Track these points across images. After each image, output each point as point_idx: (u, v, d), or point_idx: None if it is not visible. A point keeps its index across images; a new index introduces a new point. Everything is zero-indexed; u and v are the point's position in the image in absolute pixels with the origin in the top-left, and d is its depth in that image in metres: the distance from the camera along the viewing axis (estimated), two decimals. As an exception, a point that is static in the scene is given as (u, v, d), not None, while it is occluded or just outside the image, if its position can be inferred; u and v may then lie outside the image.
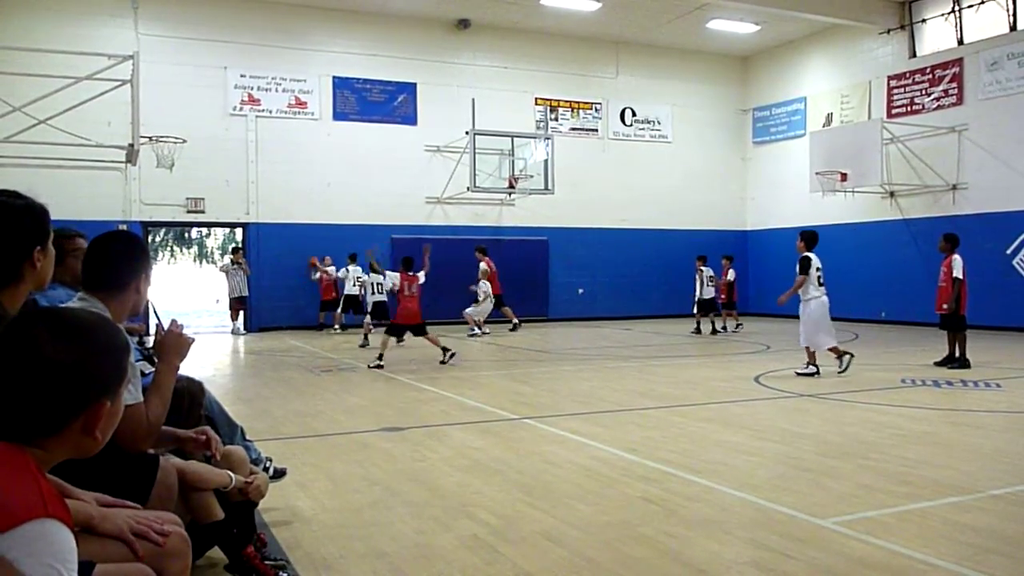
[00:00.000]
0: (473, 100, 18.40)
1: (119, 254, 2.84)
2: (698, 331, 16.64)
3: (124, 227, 15.34)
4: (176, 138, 15.68)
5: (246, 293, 17.68)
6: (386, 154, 18.88)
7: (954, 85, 17.31)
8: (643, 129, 21.78)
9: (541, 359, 12.55)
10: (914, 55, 18.38)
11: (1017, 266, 16.02)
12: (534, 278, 20.25)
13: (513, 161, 18.86)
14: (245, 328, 17.85)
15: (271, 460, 4.73)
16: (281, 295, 18.03)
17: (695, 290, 17.02)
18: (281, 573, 3.38)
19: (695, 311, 16.99)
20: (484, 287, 16.83)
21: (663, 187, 21.61)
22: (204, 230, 37.39)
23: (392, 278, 11.67)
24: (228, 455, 3.24)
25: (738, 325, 17.38)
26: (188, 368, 3.17)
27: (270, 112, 18.11)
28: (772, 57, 22.01)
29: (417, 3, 18.45)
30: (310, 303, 18.00)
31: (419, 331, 11.33)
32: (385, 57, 19.04)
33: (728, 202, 22.73)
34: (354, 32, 18.82)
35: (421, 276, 11.72)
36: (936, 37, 17.94)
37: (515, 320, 17.44)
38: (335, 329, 17.20)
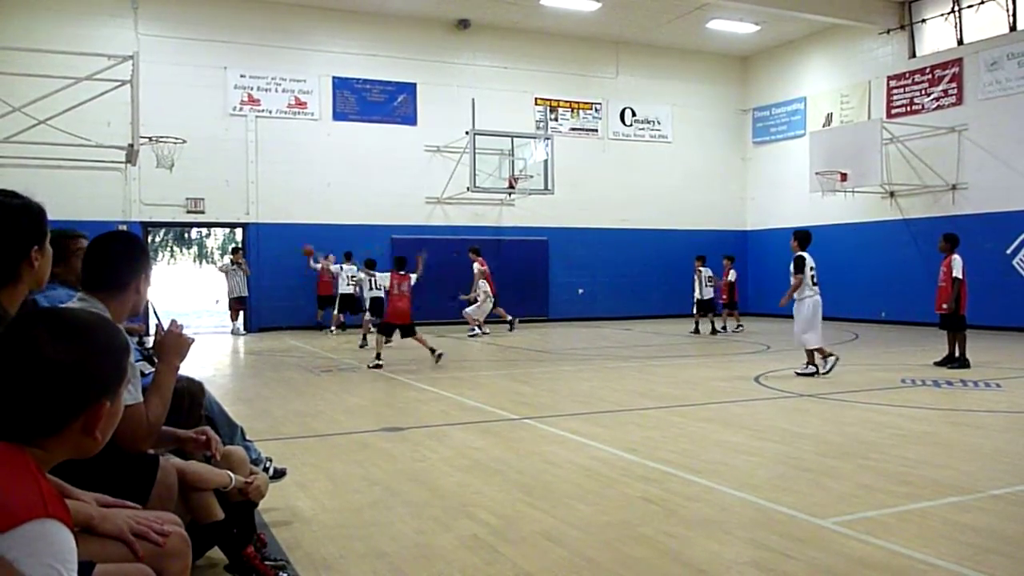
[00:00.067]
0: (473, 100, 18.40)
1: (119, 254, 2.84)
2: (697, 331, 16.64)
3: (124, 227, 15.35)
4: (176, 138, 15.68)
5: (246, 293, 17.68)
6: (386, 154, 18.89)
7: (954, 85, 17.31)
8: (643, 129, 21.79)
9: (541, 359, 12.55)
10: (914, 55, 18.38)
11: (1017, 266, 16.02)
12: (534, 278, 20.26)
13: (513, 161, 18.86)
14: (245, 328, 17.84)
15: (271, 460, 4.73)
16: (281, 295, 18.03)
17: (694, 290, 17.02)
18: (281, 573, 3.38)
19: (694, 311, 17.00)
20: (484, 287, 16.83)
21: (663, 187, 21.61)
22: (204, 230, 37.38)
23: (382, 279, 11.71)
24: (228, 455, 3.24)
25: (738, 326, 17.37)
26: (188, 368, 3.17)
27: (270, 112, 18.11)
28: (772, 57, 22.01)
29: (417, 3, 18.45)
30: (310, 303, 18.01)
31: (407, 332, 11.31)
32: (385, 57, 19.04)
33: (728, 202, 22.73)
34: (354, 32, 18.82)
35: (412, 277, 11.70)
36: (936, 37, 17.95)
37: (509, 318, 17.46)
38: (333, 330, 17.19)
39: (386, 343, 11.49)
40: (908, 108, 18.31)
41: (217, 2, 17.81)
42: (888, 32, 18.67)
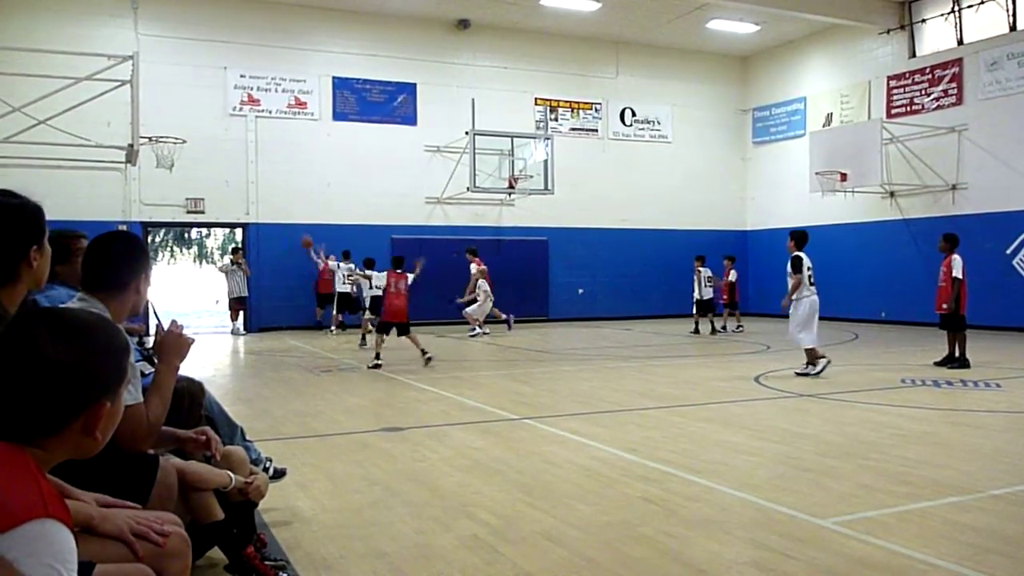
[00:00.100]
0: (473, 100, 18.40)
1: (119, 254, 2.84)
2: (697, 331, 16.64)
3: (124, 227, 15.35)
4: (176, 138, 15.68)
5: (245, 293, 17.68)
6: (386, 154, 18.89)
7: (954, 85, 17.31)
8: (643, 129, 21.79)
9: (541, 359, 12.55)
10: (914, 55, 18.38)
11: (1017, 266, 16.02)
12: (534, 278, 20.26)
13: (513, 161, 18.87)
14: (245, 328, 17.84)
15: (271, 460, 4.73)
16: (281, 295, 18.03)
17: (694, 290, 17.03)
18: (281, 573, 3.38)
19: (694, 311, 17.00)
20: (484, 286, 16.83)
21: (663, 187, 21.61)
22: (204, 230, 37.38)
23: (379, 278, 11.72)
24: (228, 455, 3.24)
25: (739, 326, 17.38)
26: (188, 368, 3.17)
27: (270, 112, 18.11)
28: (772, 57, 22.01)
29: (417, 3, 18.45)
30: (310, 303, 18.01)
31: (403, 330, 11.30)
32: (385, 57, 19.04)
33: (728, 202, 22.73)
34: (354, 32, 18.82)
35: (410, 277, 11.70)
36: (936, 37, 17.95)
37: (503, 317, 17.47)
38: (333, 330, 17.19)
39: (382, 343, 11.50)
40: (908, 108, 18.31)
41: (217, 2, 17.81)
42: (888, 32, 18.67)
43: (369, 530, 4.06)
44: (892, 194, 18.51)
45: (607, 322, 20.04)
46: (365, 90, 18.92)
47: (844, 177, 17.86)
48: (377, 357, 11.06)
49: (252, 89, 17.96)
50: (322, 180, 18.34)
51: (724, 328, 17.16)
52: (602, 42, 21.09)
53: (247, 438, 4.52)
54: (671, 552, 3.69)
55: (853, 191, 18.20)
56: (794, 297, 9.83)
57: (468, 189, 18.22)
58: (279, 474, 4.74)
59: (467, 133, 18.18)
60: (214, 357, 13.09)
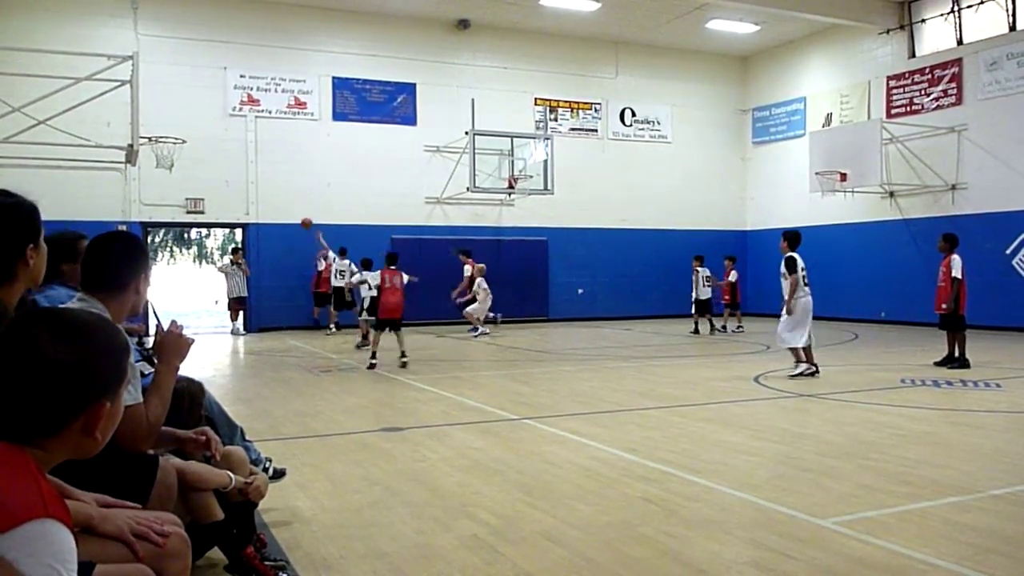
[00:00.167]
0: (473, 100, 18.40)
1: (118, 254, 2.84)
2: (697, 331, 16.64)
3: (124, 227, 15.34)
4: (175, 138, 15.67)
5: (245, 293, 17.67)
6: (386, 154, 18.89)
7: (953, 85, 17.31)
8: (643, 129, 21.79)
9: (541, 359, 12.55)
10: (913, 55, 18.38)
11: (1017, 266, 16.02)
12: (534, 278, 20.26)
13: (513, 161, 18.87)
14: (245, 328, 17.84)
15: (271, 460, 4.73)
16: (281, 295, 18.03)
17: (692, 290, 17.03)
18: (281, 573, 3.38)
19: (693, 311, 17.01)
20: (483, 284, 16.79)
21: (663, 187, 21.61)
22: (204, 231, 37.37)
23: (374, 277, 11.72)
24: (228, 455, 3.24)
25: (739, 326, 17.39)
26: (188, 369, 3.17)
27: (270, 112, 18.11)
28: (772, 57, 22.02)
29: (417, 3, 18.45)
30: (310, 303, 18.01)
31: (395, 326, 11.29)
32: (385, 57, 19.04)
33: (728, 202, 22.73)
34: (353, 32, 18.82)
35: (405, 276, 11.68)
36: (935, 37, 17.95)
37: (489, 315, 17.51)
38: (332, 328, 17.19)
39: (378, 341, 11.47)
40: (908, 108, 18.31)
41: (217, 2, 17.81)
42: (888, 32, 18.67)
43: (369, 530, 4.06)
44: (892, 194, 18.52)
45: (607, 322, 20.04)
46: (365, 90, 18.92)
47: (844, 177, 17.86)
48: (373, 356, 11.05)
49: (252, 89, 17.96)
50: (322, 180, 18.33)
51: (724, 328, 17.16)
52: (602, 42, 21.09)
53: (247, 438, 4.52)
54: (671, 552, 3.69)
55: (853, 191, 18.20)
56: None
57: (468, 189, 18.22)
58: (279, 474, 4.74)
59: (467, 133, 18.18)
60: (214, 357, 13.09)
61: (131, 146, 13.75)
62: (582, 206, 20.61)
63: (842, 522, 4.06)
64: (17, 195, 2.35)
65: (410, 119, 19.28)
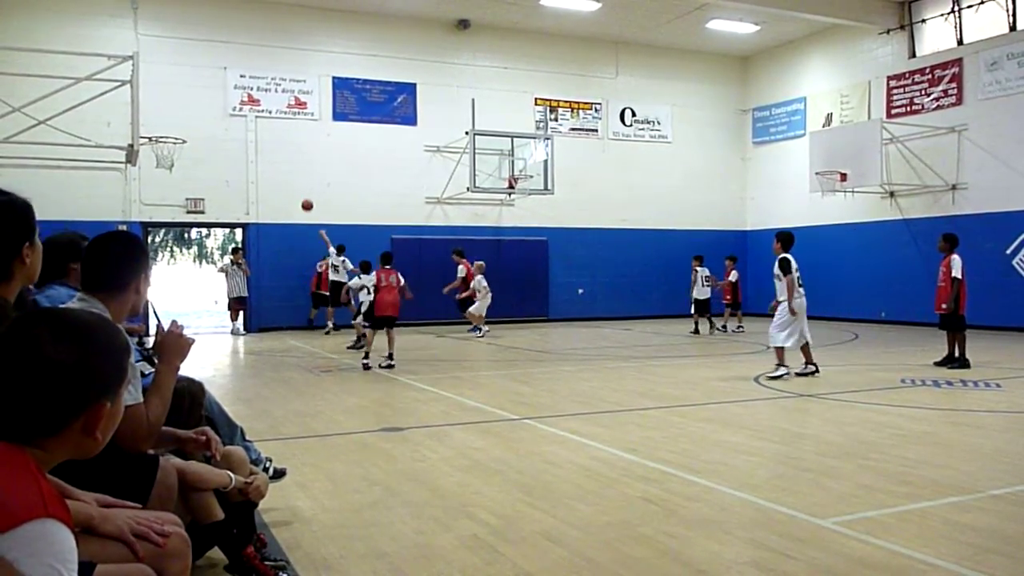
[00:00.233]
0: (473, 100, 18.40)
1: (119, 255, 2.84)
2: (697, 331, 16.65)
3: (124, 227, 15.34)
4: (176, 138, 15.68)
5: (246, 293, 17.67)
6: (386, 154, 18.88)
7: (954, 85, 17.31)
8: (643, 129, 21.79)
9: (541, 359, 12.55)
10: (914, 55, 18.38)
11: (1017, 266, 16.02)
12: (534, 278, 20.26)
13: (513, 161, 18.87)
14: (245, 328, 17.85)
15: (271, 460, 4.73)
16: (281, 295, 18.03)
17: (691, 290, 17.02)
18: (281, 573, 3.39)
19: (692, 311, 17.01)
20: (483, 282, 16.75)
21: (663, 187, 21.61)
22: (204, 230, 37.37)
23: (370, 279, 11.72)
24: (228, 455, 3.24)
25: (739, 326, 17.40)
26: (188, 368, 3.17)
27: (270, 112, 18.11)
28: (772, 57, 22.01)
29: (417, 3, 18.45)
30: (309, 303, 18.01)
31: (391, 324, 11.29)
32: (385, 57, 19.04)
33: (728, 202, 22.74)
34: (354, 32, 18.82)
35: (402, 278, 11.67)
36: (936, 37, 17.95)
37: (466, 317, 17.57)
38: (330, 326, 17.21)
39: (372, 341, 11.46)
40: (908, 108, 18.31)
41: (217, 2, 17.81)
42: (888, 32, 18.67)
43: (369, 530, 4.06)
44: (892, 194, 18.51)
45: (607, 322, 20.04)
46: (365, 90, 18.92)
47: (844, 177, 17.86)
48: (366, 356, 11.04)
49: (252, 89, 17.96)
50: (322, 180, 18.33)
51: (724, 328, 17.17)
52: (602, 42, 21.09)
53: (247, 438, 4.52)
54: (671, 552, 3.69)
55: (853, 191, 18.20)
56: (782, 299, 9.76)
57: (468, 189, 18.22)
58: (279, 474, 4.74)
59: (467, 133, 18.18)
60: (214, 357, 13.09)
61: (131, 146, 13.75)
62: (582, 206, 20.61)
63: (842, 522, 4.06)
64: (10, 193, 2.35)
65: (410, 119, 19.28)
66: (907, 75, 18.38)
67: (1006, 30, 16.43)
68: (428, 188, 19.17)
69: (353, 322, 15.08)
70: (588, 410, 7.69)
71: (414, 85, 19.28)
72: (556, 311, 20.56)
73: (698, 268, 17.07)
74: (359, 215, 18.50)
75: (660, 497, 4.59)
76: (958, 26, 17.37)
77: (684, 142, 22.11)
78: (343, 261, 16.75)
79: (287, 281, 18.00)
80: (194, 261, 45.47)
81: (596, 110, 21.26)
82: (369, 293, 14.70)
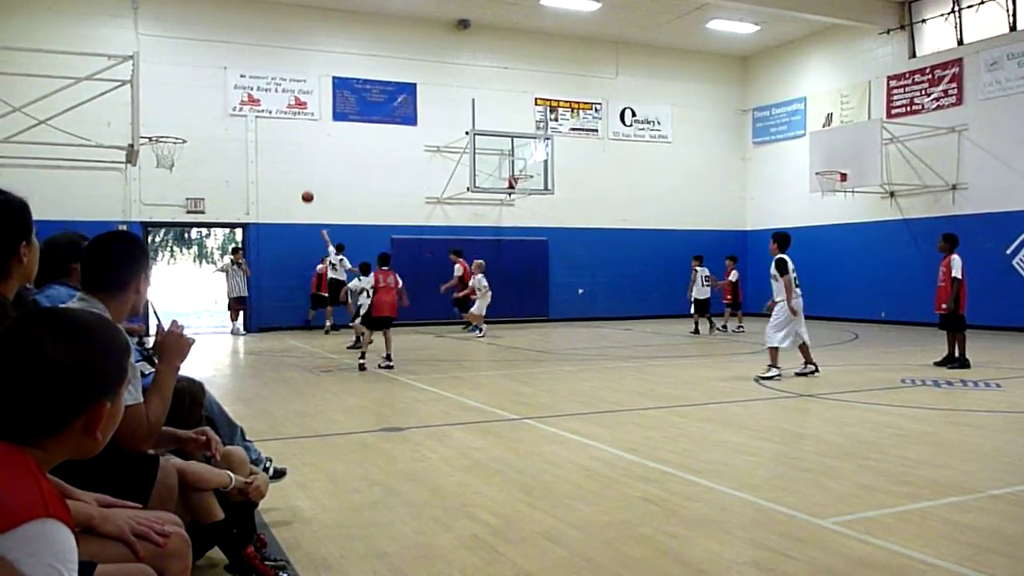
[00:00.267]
0: (473, 100, 18.40)
1: (119, 254, 2.84)
2: (697, 331, 16.65)
3: (124, 227, 15.33)
4: (176, 138, 15.68)
5: (246, 293, 17.67)
6: (386, 154, 18.88)
7: (954, 85, 17.31)
8: (643, 129, 21.79)
9: (541, 359, 12.55)
10: (914, 55, 18.38)
11: (1017, 266, 16.02)
12: (534, 278, 20.26)
13: (513, 161, 18.87)
14: (245, 328, 17.85)
15: (271, 460, 4.73)
16: (281, 295, 18.03)
17: (691, 290, 17.01)
18: (281, 573, 3.39)
19: (692, 311, 17.01)
20: (483, 281, 16.72)
21: (663, 187, 21.61)
22: (204, 230, 37.37)
23: (368, 282, 11.72)
24: (228, 455, 3.24)
25: (739, 326, 17.40)
26: (188, 368, 3.17)
27: (270, 112, 18.11)
28: (772, 57, 22.01)
29: (417, 3, 18.45)
30: (309, 304, 18.00)
31: (388, 325, 11.27)
32: (385, 57, 19.04)
33: (728, 202, 22.73)
34: (354, 32, 18.82)
35: (400, 280, 11.67)
36: (936, 37, 17.95)
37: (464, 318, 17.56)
38: (328, 324, 17.20)
39: (370, 341, 11.46)
40: (908, 108, 18.31)
41: (217, 2, 17.81)
42: (888, 32, 18.67)
43: (369, 530, 4.06)
44: (892, 194, 18.51)
45: (607, 322, 20.04)
46: (365, 90, 18.92)
47: (844, 177, 17.86)
48: (362, 357, 11.04)
49: (252, 89, 17.96)
50: (322, 180, 18.33)
51: (725, 327, 17.18)
52: (602, 42, 21.08)
53: (247, 438, 4.52)
54: (671, 552, 3.69)
55: (853, 191, 18.20)
56: (779, 299, 9.76)
57: (468, 189, 18.22)
58: (279, 474, 4.74)
59: (467, 133, 18.18)
60: (214, 357, 13.09)
61: (131, 146, 13.75)
62: (582, 206, 20.61)
63: (842, 522, 4.06)
64: (6, 192, 2.35)
65: (410, 119, 19.28)
66: (907, 75, 18.38)
67: (1006, 30, 16.42)
68: (428, 188, 19.17)
69: (351, 324, 15.07)
70: (588, 410, 7.69)
71: (414, 85, 19.28)
72: (556, 311, 20.56)
73: (698, 268, 17.07)
74: (359, 215, 18.50)
75: (660, 497, 4.59)
76: (958, 26, 17.37)
77: (684, 142, 22.11)
78: (341, 260, 16.78)
79: (287, 281, 18.00)
80: (194, 261, 45.47)
81: (596, 110, 21.26)
82: (368, 296, 14.67)
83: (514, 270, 19.51)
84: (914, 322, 16.96)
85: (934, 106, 17.69)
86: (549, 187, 18.67)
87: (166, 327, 2.91)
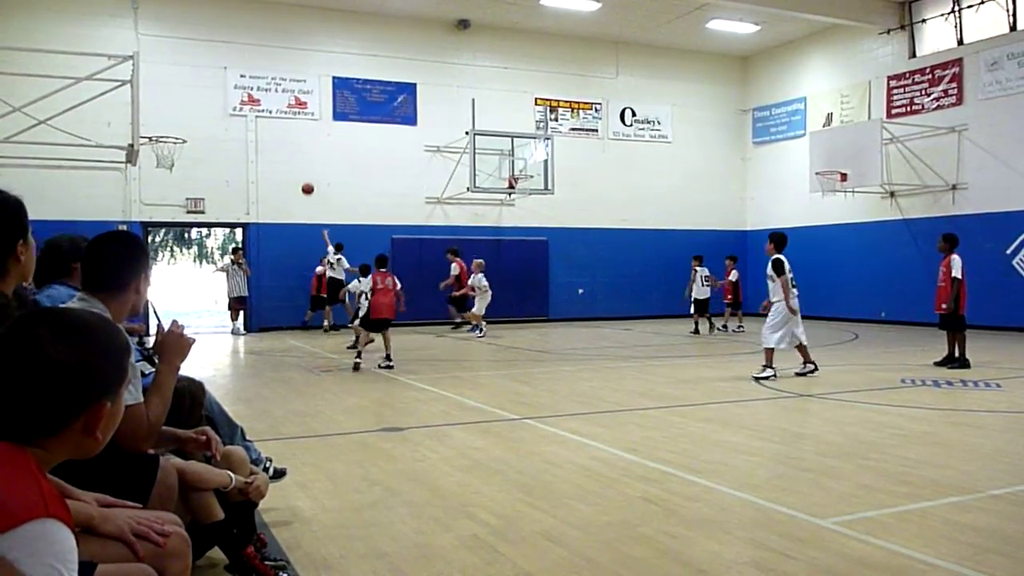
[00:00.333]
0: (473, 100, 18.40)
1: (119, 255, 2.84)
2: (697, 331, 16.64)
3: (124, 227, 15.33)
4: (176, 138, 15.68)
5: (246, 293, 17.67)
6: (386, 154, 18.88)
7: (954, 85, 17.31)
8: (643, 129, 21.79)
9: (541, 359, 12.55)
10: (914, 55, 18.38)
11: (1017, 266, 16.02)
12: (534, 278, 20.26)
13: (513, 161, 18.87)
14: (245, 328, 17.84)
15: (271, 460, 4.73)
16: (281, 295, 18.03)
17: (691, 290, 17.01)
18: (281, 573, 3.39)
19: (692, 311, 17.01)
20: (483, 281, 16.71)
21: (663, 187, 21.61)
22: (204, 230, 37.37)
23: (367, 283, 11.72)
24: (228, 455, 3.24)
25: (739, 326, 17.40)
26: (188, 368, 3.17)
27: (270, 112, 18.11)
28: (772, 57, 22.01)
29: (417, 3, 18.45)
30: (308, 304, 18.00)
31: (385, 326, 11.26)
32: (385, 57, 19.04)
33: (728, 202, 22.73)
34: (354, 32, 18.82)
35: (397, 282, 11.67)
36: (936, 37, 17.94)
37: (457, 320, 17.52)
38: (327, 323, 17.18)
39: (369, 341, 11.45)
40: (908, 108, 18.31)
41: (217, 2, 17.81)
42: (888, 32, 18.67)
43: (369, 530, 4.06)
44: (892, 194, 18.51)
45: (607, 322, 20.04)
46: (365, 90, 18.92)
47: (844, 177, 17.86)
48: (358, 356, 11.04)
49: (252, 89, 17.96)
50: (322, 180, 18.33)
51: (725, 327, 17.18)
52: (602, 42, 21.08)
53: (247, 438, 4.52)
54: (671, 552, 3.69)
55: (853, 191, 18.20)
56: (775, 299, 9.76)
57: (468, 189, 18.22)
58: (279, 474, 4.74)
59: (467, 133, 18.18)
60: (214, 357, 13.09)
61: (131, 146, 13.75)
62: (582, 206, 20.61)
63: (842, 522, 4.06)
64: (2, 191, 2.35)
65: (410, 119, 19.28)
66: (907, 75, 18.38)
67: (1006, 30, 16.42)
68: (428, 188, 19.17)
69: (350, 325, 15.07)
70: (588, 410, 7.69)
71: (414, 85, 19.28)
72: (556, 311, 20.56)
73: (698, 268, 17.07)
74: (359, 215, 18.50)
75: (660, 497, 4.59)
76: (958, 26, 17.37)
77: (684, 142, 22.11)
78: (339, 259, 16.78)
79: (287, 281, 18.00)
80: (194, 261, 45.47)
81: (596, 110, 21.26)
82: (367, 298, 14.64)
83: (514, 270, 19.51)
84: (914, 322, 16.96)
85: (934, 106, 17.69)
86: (549, 187, 18.67)
87: (166, 327, 2.91)
